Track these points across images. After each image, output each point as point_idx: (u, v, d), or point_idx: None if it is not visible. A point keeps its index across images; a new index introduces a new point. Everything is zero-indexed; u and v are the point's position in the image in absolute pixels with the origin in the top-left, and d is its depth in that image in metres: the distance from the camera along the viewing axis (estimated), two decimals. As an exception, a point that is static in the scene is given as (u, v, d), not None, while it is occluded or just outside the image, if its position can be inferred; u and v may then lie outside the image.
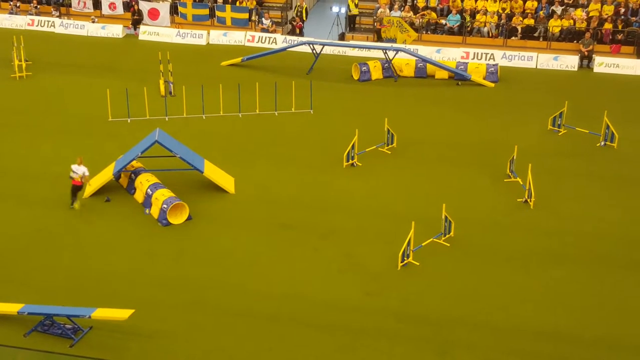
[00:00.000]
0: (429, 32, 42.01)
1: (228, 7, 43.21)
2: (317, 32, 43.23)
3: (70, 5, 45.94)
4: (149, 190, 23.22)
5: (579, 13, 40.46)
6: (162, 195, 22.77)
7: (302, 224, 22.76)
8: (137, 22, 43.99)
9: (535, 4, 41.46)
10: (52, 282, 19.63)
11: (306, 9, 44.04)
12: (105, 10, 45.16)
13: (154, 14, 44.16)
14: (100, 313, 17.29)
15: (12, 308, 17.76)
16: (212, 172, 24.69)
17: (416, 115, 31.82)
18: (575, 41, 40.05)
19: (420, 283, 19.89)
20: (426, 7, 42.17)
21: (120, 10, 45.04)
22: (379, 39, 41.08)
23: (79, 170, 22.91)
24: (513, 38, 40.83)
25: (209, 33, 42.83)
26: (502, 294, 19.44)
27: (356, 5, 43.78)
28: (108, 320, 17.69)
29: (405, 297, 19.25)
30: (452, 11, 41.46)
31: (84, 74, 36.30)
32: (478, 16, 41.34)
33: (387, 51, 36.66)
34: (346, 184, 25.34)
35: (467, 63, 37.32)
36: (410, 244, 20.55)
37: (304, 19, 43.45)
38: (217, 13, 43.53)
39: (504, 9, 41.57)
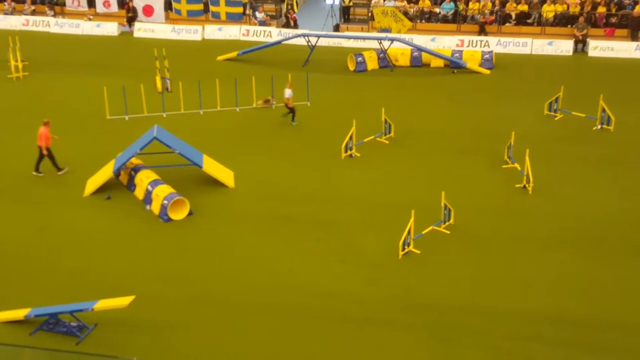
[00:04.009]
0: (423, 21, 42.08)
1: (222, 1, 43.28)
2: (311, 24, 43.31)
3: (64, 4, 45.97)
4: (149, 186, 23.30)
5: (572, -3, 40.58)
6: (163, 191, 22.85)
7: (302, 216, 22.84)
8: (131, 19, 44.05)
9: (529, -11, 41.61)
10: (55, 281, 19.69)
11: (296, 1, 44.10)
12: (100, 8, 45.23)
13: (148, 10, 44.21)
14: (102, 304, 17.36)
15: (18, 314, 17.80)
16: (212, 166, 24.77)
17: (413, 105, 31.91)
18: (569, 26, 40.16)
19: (422, 271, 19.99)
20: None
21: (114, 7, 45.12)
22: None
23: (287, 92, 28.84)
24: (507, 24, 40.90)
25: (203, 28, 42.91)
26: (503, 279, 19.55)
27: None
28: (112, 317, 17.80)
29: (407, 286, 19.35)
30: (445, -1, 41.64)
31: (80, 72, 36.37)
32: (471, 4, 41.40)
33: (382, 41, 36.72)
34: (345, 174, 25.43)
35: (462, 51, 37.40)
36: (411, 232, 20.64)
37: (295, 10, 43.52)
38: (212, 8, 43.61)
39: (497, -5, 41.69)
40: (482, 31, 40.68)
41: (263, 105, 30.38)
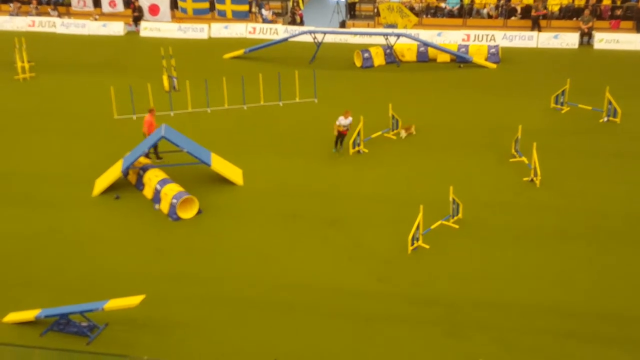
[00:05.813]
0: (429, 16, 42.06)
1: (228, -1, 43.36)
2: (317, 21, 43.37)
3: (70, 5, 46.08)
4: (157, 185, 23.36)
5: (578, -10, 40.51)
6: (171, 190, 22.91)
7: (311, 213, 22.88)
8: (137, 18, 44.16)
9: (534, -18, 41.53)
10: (65, 281, 19.77)
11: (302, -3, 44.24)
12: (106, 8, 45.34)
13: (154, 9, 44.31)
14: (113, 304, 17.40)
15: (29, 315, 17.88)
16: (220, 165, 24.83)
17: (420, 100, 31.92)
18: (574, 18, 40.09)
19: (430, 266, 20.01)
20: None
21: (120, 7, 45.23)
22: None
23: (345, 121, 25.94)
24: (513, 18, 40.87)
25: (210, 26, 42.97)
26: (512, 273, 19.56)
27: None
28: (123, 316, 17.86)
29: (416, 281, 19.38)
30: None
31: (87, 72, 36.47)
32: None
33: (388, 37, 36.72)
34: (353, 171, 25.45)
35: (468, 45, 37.37)
36: (420, 227, 20.66)
37: (301, 7, 43.59)
38: (217, 6, 43.65)
39: (503, -11, 41.65)
40: (535, 25, 40.45)
41: (406, 133, 28.02)
